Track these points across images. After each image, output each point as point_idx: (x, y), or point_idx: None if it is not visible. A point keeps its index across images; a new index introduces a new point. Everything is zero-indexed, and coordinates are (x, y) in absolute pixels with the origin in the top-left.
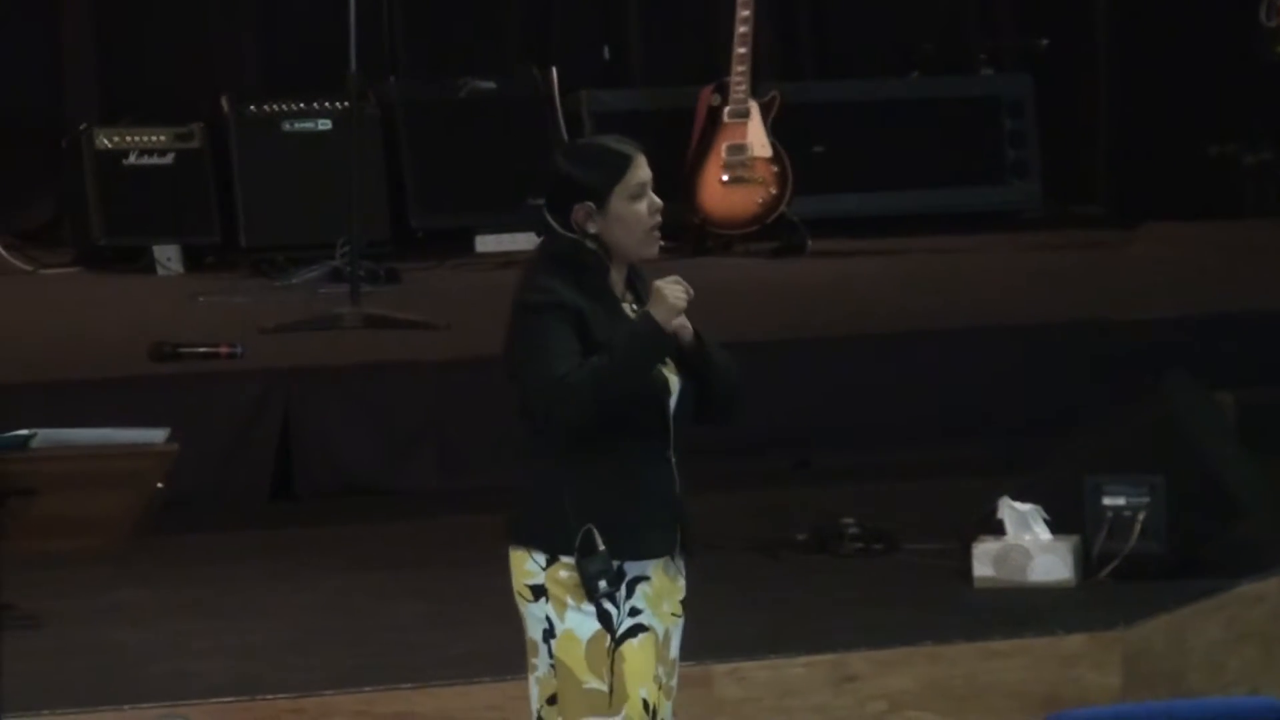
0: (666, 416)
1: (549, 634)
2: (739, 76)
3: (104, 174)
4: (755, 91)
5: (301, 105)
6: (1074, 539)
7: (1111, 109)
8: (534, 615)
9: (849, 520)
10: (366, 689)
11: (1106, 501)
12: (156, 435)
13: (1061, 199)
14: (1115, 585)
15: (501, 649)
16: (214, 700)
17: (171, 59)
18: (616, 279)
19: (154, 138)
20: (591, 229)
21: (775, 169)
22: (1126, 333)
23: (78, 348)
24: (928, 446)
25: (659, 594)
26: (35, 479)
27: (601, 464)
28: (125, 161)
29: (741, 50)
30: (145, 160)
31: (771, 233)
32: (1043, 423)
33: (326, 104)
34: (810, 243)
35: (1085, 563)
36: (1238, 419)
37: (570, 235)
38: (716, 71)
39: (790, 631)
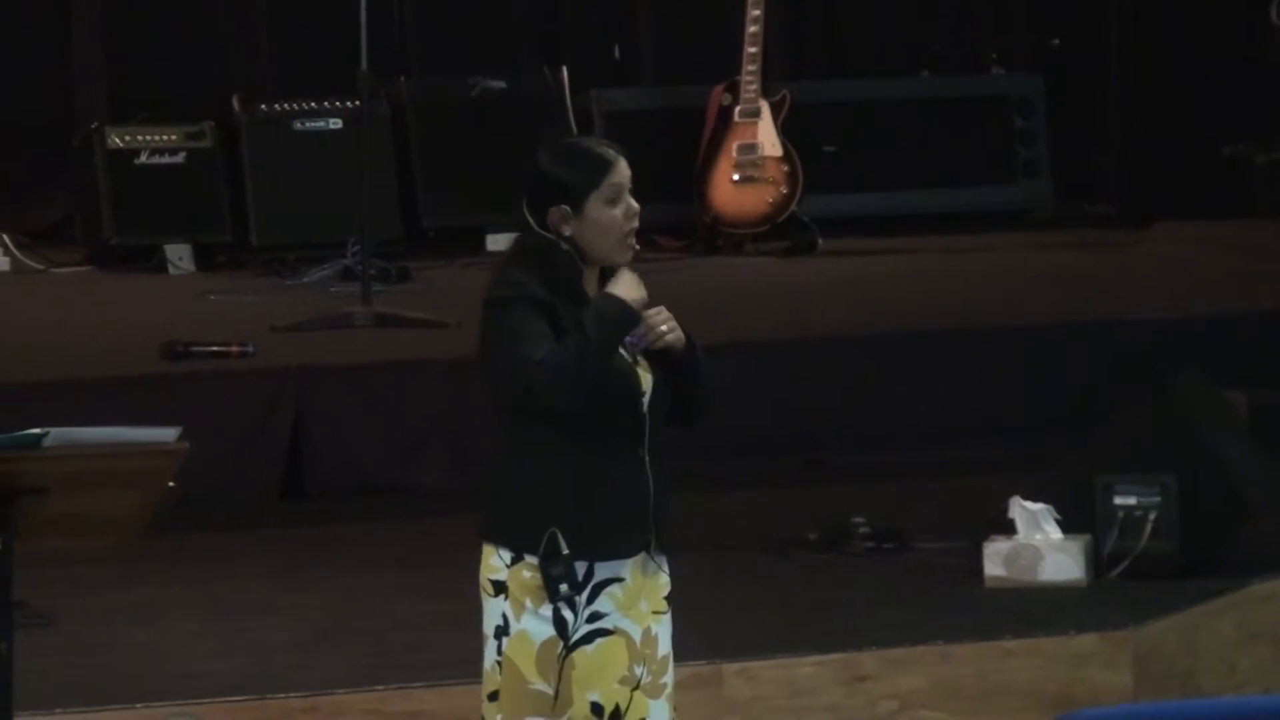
0: (639, 415)
1: (502, 630)
2: (750, 76)
3: (115, 173)
4: (766, 91)
5: (312, 104)
6: (1085, 538)
7: (1123, 108)
8: (492, 610)
9: (860, 519)
10: (378, 688)
11: (1118, 501)
12: (168, 434)
13: (1072, 198)
14: (1126, 585)
15: None
16: (226, 699)
17: (182, 58)
18: (590, 280)
19: (165, 137)
20: (566, 231)
21: (786, 168)
22: (1137, 332)
23: (89, 347)
24: (938, 446)
25: (635, 593)
26: (47, 478)
27: (572, 463)
28: (136, 160)
29: (752, 49)
30: (156, 159)
31: (782, 232)
32: (1053, 422)
33: (337, 103)
34: (821, 242)
35: (1096, 562)
36: (1249, 418)
37: (545, 235)
38: (727, 71)
39: (801, 630)
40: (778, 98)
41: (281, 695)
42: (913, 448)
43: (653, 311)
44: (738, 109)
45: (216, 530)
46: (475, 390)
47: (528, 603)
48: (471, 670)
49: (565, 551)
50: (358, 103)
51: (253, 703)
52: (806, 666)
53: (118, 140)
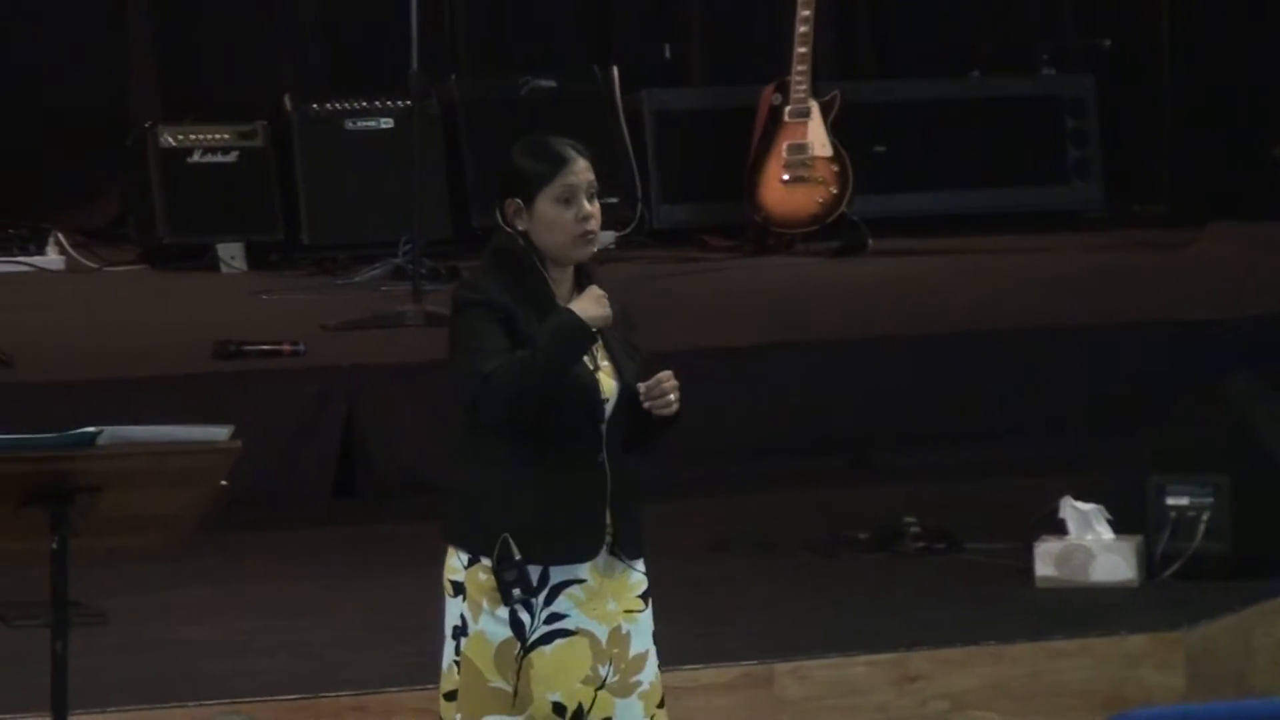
0: (598, 421)
1: (460, 631)
2: (799, 76)
3: (168, 172)
4: (816, 91)
5: (364, 104)
6: (1137, 539)
7: (1174, 109)
8: (451, 610)
9: (911, 519)
10: (429, 686)
11: (1170, 501)
12: (220, 433)
13: (1123, 199)
14: (1178, 585)
15: None
16: (277, 698)
17: (235, 57)
18: (560, 279)
19: (218, 136)
20: (520, 225)
21: (836, 168)
22: (1191, 333)
23: (142, 345)
24: (989, 445)
25: (599, 593)
26: (101, 476)
27: (527, 468)
28: (189, 159)
29: (802, 50)
30: (209, 158)
31: (832, 232)
32: (1105, 423)
33: (388, 103)
34: (871, 242)
35: (1148, 563)
36: None
37: (506, 229)
38: (777, 71)
39: (852, 631)
40: (828, 98)
41: (332, 694)
42: (963, 448)
43: (665, 377)
44: (788, 109)
45: (268, 529)
46: None
47: (485, 604)
48: None
49: (517, 557)
50: (408, 102)
51: (304, 701)
52: (858, 666)
53: (170, 139)
